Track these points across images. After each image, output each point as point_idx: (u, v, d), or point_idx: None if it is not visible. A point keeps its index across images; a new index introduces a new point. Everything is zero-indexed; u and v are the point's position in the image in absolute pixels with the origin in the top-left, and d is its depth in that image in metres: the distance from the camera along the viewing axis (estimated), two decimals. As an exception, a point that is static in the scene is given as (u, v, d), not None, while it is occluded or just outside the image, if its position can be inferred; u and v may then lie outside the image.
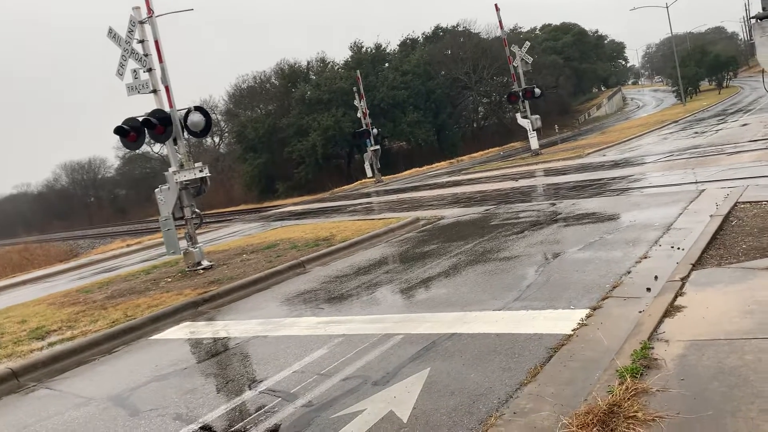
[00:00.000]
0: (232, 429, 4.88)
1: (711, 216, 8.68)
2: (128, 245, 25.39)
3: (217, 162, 69.62)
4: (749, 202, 9.22)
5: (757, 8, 7.04)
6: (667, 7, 61.60)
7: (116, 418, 5.62)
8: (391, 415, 4.52)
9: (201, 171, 12.91)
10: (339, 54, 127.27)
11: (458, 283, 8.32)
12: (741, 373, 3.90)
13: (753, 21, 6.99)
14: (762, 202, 9.04)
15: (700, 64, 73.64)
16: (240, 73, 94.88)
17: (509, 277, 8.19)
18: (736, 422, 3.37)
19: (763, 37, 6.89)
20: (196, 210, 13.25)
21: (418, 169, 44.93)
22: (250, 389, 5.71)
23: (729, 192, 10.31)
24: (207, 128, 13.57)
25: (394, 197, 25.01)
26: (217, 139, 77.59)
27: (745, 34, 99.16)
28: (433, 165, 45.96)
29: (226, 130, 74.16)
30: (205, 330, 8.57)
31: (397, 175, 42.74)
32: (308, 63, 67.98)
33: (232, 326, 8.41)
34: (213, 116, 71.52)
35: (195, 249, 13.04)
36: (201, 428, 5.02)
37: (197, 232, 13.48)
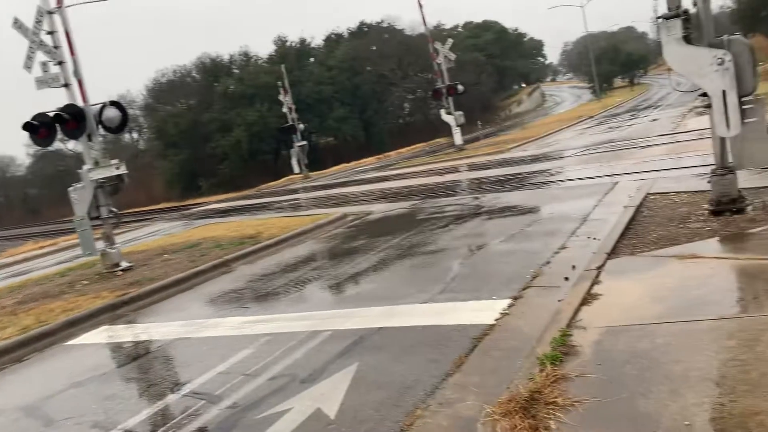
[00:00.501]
0: (154, 435, 4.73)
1: (624, 207, 9.09)
2: (41, 247, 24.08)
3: (135, 159, 67.04)
4: (658, 193, 9.72)
5: (664, 9, 7.41)
6: (582, 7, 64.08)
7: (28, 430, 5.33)
8: (319, 412, 4.49)
9: (117, 168, 12.38)
10: (263, 48, 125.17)
11: (386, 277, 8.37)
12: (652, 356, 4.10)
13: (659, 21, 7.35)
14: (670, 193, 9.55)
15: (614, 62, 77.12)
16: (160, 67, 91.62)
17: (435, 270, 8.30)
18: (648, 403, 3.55)
19: (668, 36, 7.25)
20: (114, 209, 12.71)
21: (345, 164, 44.88)
22: (173, 393, 5.54)
23: (640, 184, 10.84)
24: (123, 124, 13.04)
25: (322, 193, 24.89)
26: (135, 135, 74.83)
27: (653, 34, 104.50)
28: (361, 161, 46.02)
29: (146, 125, 71.60)
30: (124, 333, 8.25)
31: (324, 170, 42.55)
32: (231, 57, 66.63)
33: (153, 329, 8.14)
34: (131, 111, 68.82)
35: (113, 250, 12.52)
36: (121, 436, 4.83)
37: (115, 232, 12.96)
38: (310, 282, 8.96)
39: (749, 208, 7.46)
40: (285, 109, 39.48)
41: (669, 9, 7.32)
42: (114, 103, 12.77)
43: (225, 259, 11.67)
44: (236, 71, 64.02)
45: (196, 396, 5.30)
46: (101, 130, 12.72)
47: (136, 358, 6.99)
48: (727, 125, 7.02)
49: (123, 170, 12.49)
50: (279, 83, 40.09)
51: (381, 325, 6.20)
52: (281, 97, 39.48)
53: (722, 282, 5.36)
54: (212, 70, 64.57)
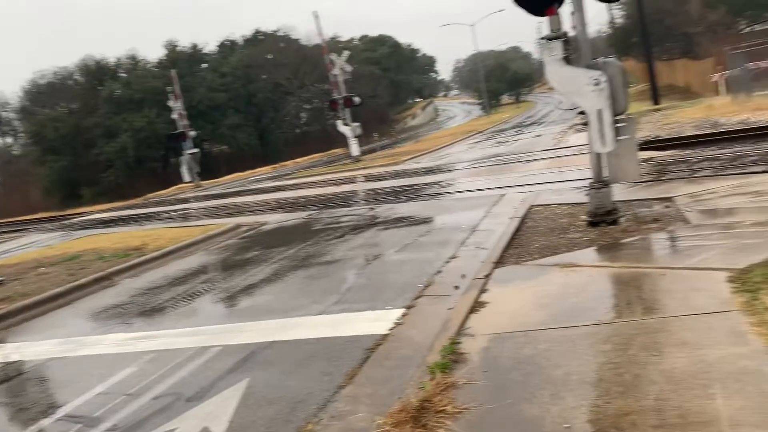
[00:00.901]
0: (22, 465, 4.35)
1: (510, 218, 9.49)
2: None
3: (9, 165, 62.22)
4: (541, 205, 10.23)
5: (547, 31, 7.85)
6: (472, 26, 66.70)
7: None
8: (205, 431, 4.31)
9: (-14, 175, 11.41)
10: (152, 52, 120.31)
11: (280, 289, 8.22)
12: (536, 361, 4.28)
13: (542, 42, 7.77)
14: (552, 205, 10.08)
15: (501, 80, 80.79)
16: (38, 68, 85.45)
17: (330, 280, 8.26)
18: (532, 407, 3.69)
19: (550, 57, 7.68)
20: (-19, 219, 11.68)
21: (240, 173, 43.86)
22: (46, 417, 5.13)
23: (525, 196, 11.36)
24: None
25: (214, 203, 24.15)
26: (10, 140, 69.35)
27: (537, 54, 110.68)
28: (257, 170, 45.16)
29: (21, 129, 66.54)
30: (-9, 355, 7.56)
31: (218, 179, 41.36)
32: (117, 60, 63.42)
33: (25, 348, 7.51)
34: (3, 114, 63.94)
35: (-21, 263, 11.49)
36: (-17, 468, 4.40)
37: (-18, 244, 11.90)
38: (199, 295, 8.64)
39: (622, 219, 8.01)
40: (175, 116, 38.07)
41: (551, 31, 7.76)
42: (-18, 104, 11.77)
43: (107, 272, 11.01)
44: (123, 75, 61.01)
45: (72, 419, 4.94)
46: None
47: (4, 380, 6.42)
48: (603, 142, 7.52)
49: (-9, 177, 11.52)
50: (169, 88, 38.63)
51: (273, 339, 6.06)
52: (171, 103, 38.04)
53: (598, 289, 5.70)
54: (97, 73, 61.15)
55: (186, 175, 37.78)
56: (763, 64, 24.00)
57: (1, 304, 9.61)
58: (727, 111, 20.25)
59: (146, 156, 56.39)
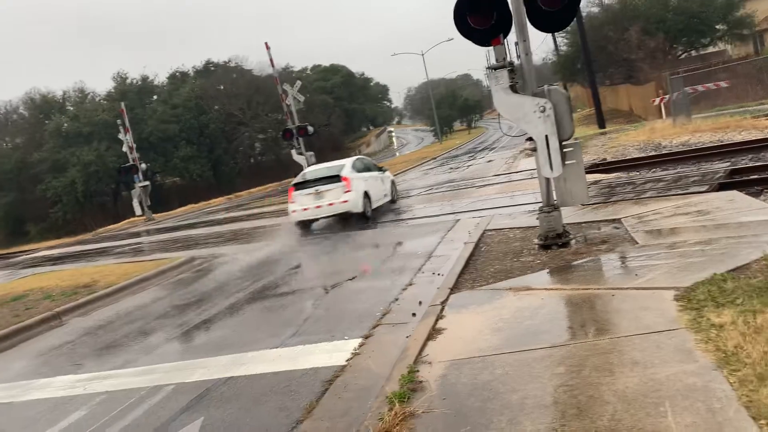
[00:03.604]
0: None
1: (465, 243, 9.60)
2: None
3: (-50, 202, 59.83)
4: (494, 229, 10.39)
5: (493, 60, 8.07)
6: (422, 54, 67.93)
7: None
8: (160, 475, 4.18)
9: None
10: (100, 85, 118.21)
11: (236, 323, 8.09)
12: (492, 386, 4.31)
13: (489, 71, 7.99)
14: (504, 229, 10.25)
15: (453, 107, 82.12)
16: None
17: (288, 312, 8.18)
18: (489, 433, 3.70)
19: (497, 85, 7.89)
20: None
21: (194, 205, 43.19)
22: (-12, 469, 4.88)
23: (479, 221, 11.53)
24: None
25: (167, 236, 23.66)
26: (-50, 177, 66.76)
27: (486, 82, 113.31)
28: (211, 201, 44.55)
29: (-38, 165, 64.21)
30: (-72, 404, 7.17)
31: (171, 212, 40.64)
32: (64, 93, 62.25)
33: (-34, 396, 7.16)
34: (-57, 150, 61.59)
35: None
36: None
37: None
38: (152, 332, 8.42)
39: (573, 242, 8.20)
40: (125, 148, 37.37)
41: (497, 60, 7.98)
42: None
43: (55, 312, 10.64)
44: (71, 108, 59.75)
45: (17, 470, 4.72)
46: None
47: (-58, 432, 6.10)
48: (551, 167, 7.71)
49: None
50: (119, 121, 37.97)
51: (229, 375, 5.95)
52: (121, 136, 37.35)
53: (552, 312, 5.79)
54: (42, 106, 59.78)
55: (137, 209, 36.96)
56: (700, 87, 25.08)
57: (-60, 350, 9.17)
58: (669, 133, 21.07)
59: (96, 190, 55.06)
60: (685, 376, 3.86)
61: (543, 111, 7.63)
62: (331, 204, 15.30)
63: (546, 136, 7.64)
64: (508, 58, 8.07)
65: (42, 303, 11.57)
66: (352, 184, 15.47)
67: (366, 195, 15.81)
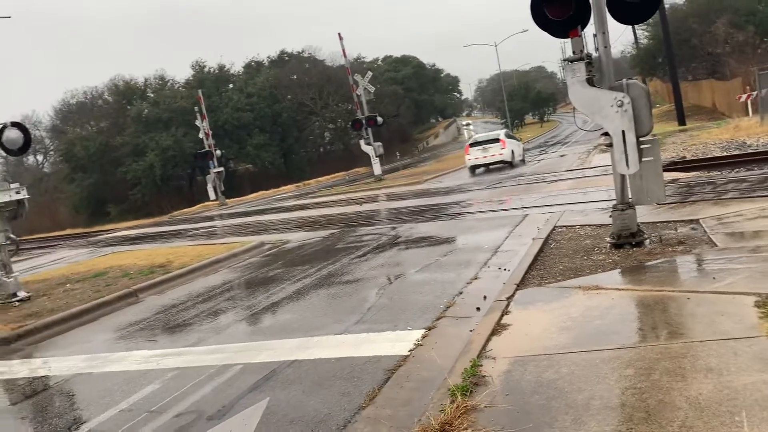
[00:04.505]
0: (46, 480, 4.40)
1: (533, 239, 9.43)
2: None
3: (40, 182, 63.64)
4: (565, 226, 10.16)
5: (570, 51, 7.87)
6: (495, 46, 66.90)
7: None
8: (227, 450, 4.33)
9: (18, 193, 11.68)
10: (180, 73, 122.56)
11: (302, 308, 8.26)
12: (558, 385, 4.23)
13: (565, 63, 7.78)
14: (575, 226, 10.01)
15: (525, 100, 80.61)
16: (69, 88, 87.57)
17: (352, 300, 8.28)
18: None
19: (573, 78, 7.68)
20: (12, 235, 11.95)
21: (264, 192, 44.29)
22: (69, 432, 5.19)
23: (548, 217, 11.30)
24: (26, 146, 12.37)
25: (238, 221, 24.39)
26: (40, 158, 71.01)
27: (561, 74, 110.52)
28: (280, 188, 45.58)
29: (52, 147, 68.12)
30: (19, 369, 7.69)
31: (242, 198, 41.81)
32: (146, 80, 64.94)
33: (52, 363, 7.63)
34: (36, 133, 65.44)
35: (9, 279, 11.73)
36: (8, 482, 4.46)
37: (13, 260, 12.15)
38: (222, 313, 8.71)
39: (647, 241, 7.92)
40: (201, 135, 38.71)
41: (573, 53, 7.77)
42: (15, 124, 12.10)
43: (133, 289, 11.17)
44: (151, 95, 62.27)
45: (95, 436, 5.00)
46: (1, 152, 12.02)
47: (31, 395, 6.52)
48: (627, 163, 7.46)
49: (24, 195, 11.80)
50: (196, 108, 39.32)
51: (294, 358, 6.08)
52: (198, 122, 38.70)
53: (622, 312, 5.63)
54: (125, 92, 62.58)
55: (211, 194, 38.27)
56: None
57: (28, 320, 9.80)
58: (755, 132, 19.98)
59: (173, 174, 57.24)
60: (764, 386, 3.68)
61: (620, 105, 7.38)
62: (492, 155, 26.80)
63: (623, 132, 7.39)
64: (586, 51, 7.85)
65: (120, 280, 12.17)
66: (506, 144, 26.89)
67: (512, 153, 27.14)
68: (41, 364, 7.73)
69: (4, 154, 12.25)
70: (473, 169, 27.40)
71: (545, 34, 8.02)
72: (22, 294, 11.72)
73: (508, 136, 28.76)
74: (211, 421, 4.86)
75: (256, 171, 62.66)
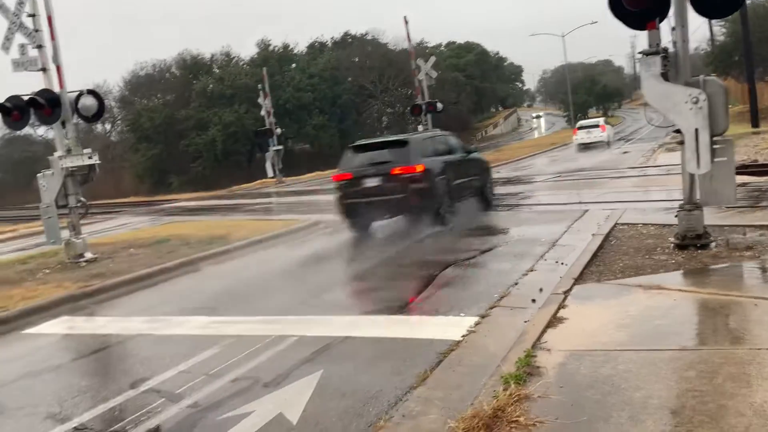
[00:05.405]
0: (110, 429, 4.64)
1: (593, 235, 9.26)
2: (1, 233, 23.48)
3: (107, 150, 65.90)
4: (627, 223, 9.92)
5: (643, 44, 7.63)
6: (563, 36, 65.35)
7: (-22, 417, 5.18)
8: (281, 417, 4.46)
9: (90, 158, 12.19)
10: (245, 50, 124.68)
11: (356, 287, 8.40)
12: (614, 381, 4.18)
13: (640, 56, 7.56)
14: (638, 224, 9.76)
15: (590, 93, 78.45)
16: (139, 60, 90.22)
17: (405, 282, 8.35)
18: (608, 427, 3.61)
19: (647, 72, 7.45)
20: (82, 199, 12.50)
21: (321, 172, 44.66)
22: (131, 389, 5.43)
23: (609, 213, 11.05)
24: (100, 113, 12.89)
25: (294, 199, 24.80)
26: (108, 126, 73.54)
27: (630, 69, 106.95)
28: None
29: (119, 117, 70.47)
30: (85, 326, 8.09)
31: (299, 177, 42.34)
32: (212, 56, 66.14)
33: (115, 323, 7.98)
34: (106, 102, 67.69)
35: (78, 240, 12.29)
36: (75, 428, 4.72)
37: (81, 222, 12.72)
38: (278, 286, 8.91)
39: (713, 244, 7.66)
40: (263, 113, 39.31)
41: (649, 46, 7.52)
42: (91, 92, 12.59)
43: (192, 258, 11.54)
44: (216, 70, 63.53)
45: (156, 393, 5.21)
46: (76, 118, 12.54)
47: (95, 351, 6.85)
48: (698, 163, 7.22)
49: (95, 160, 12.30)
50: (259, 86, 39.93)
51: (347, 334, 6.18)
52: (260, 100, 39.31)
53: (684, 314, 5.49)
54: (192, 67, 64.00)
55: (269, 171, 38.90)
56: None
57: (94, 280, 10.26)
58: (836, 138, 18.97)
59: (233, 150, 58.37)
60: (835, 399, 3.54)
61: (696, 102, 7.12)
62: (594, 137, 35.96)
63: (696, 130, 7.14)
64: (662, 44, 7.60)
65: (181, 249, 12.57)
66: (605, 129, 36.73)
67: (608, 135, 36.53)
68: (105, 323, 8.09)
69: (79, 120, 12.76)
70: (580, 146, 35.65)
71: (614, 26, 7.84)
72: (88, 255, 12.26)
73: (606, 122, 39.22)
74: (267, 388, 5.01)
75: (313, 151, 63.26)
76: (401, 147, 12.21)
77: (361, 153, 12.86)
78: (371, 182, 11.82)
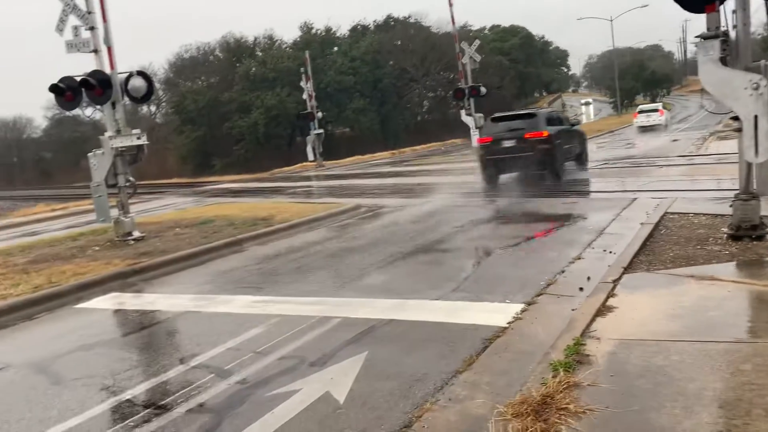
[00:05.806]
0: (162, 403, 4.76)
1: (642, 224, 9.05)
2: (53, 210, 24.27)
3: (152, 131, 67.26)
4: (677, 213, 9.67)
5: (695, 28, 7.38)
6: (611, 20, 63.72)
7: (36, 386, 5.38)
8: (328, 395, 4.51)
9: (139, 138, 12.46)
10: (288, 33, 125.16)
11: (398, 271, 8.38)
12: (667, 372, 4.09)
13: (698, 40, 7.31)
14: (689, 214, 9.50)
15: (637, 79, 76.49)
16: (183, 42, 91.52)
17: (448, 268, 8.32)
18: (661, 417, 3.54)
19: (705, 57, 7.20)
20: (131, 178, 12.80)
21: (360, 156, 44.85)
22: (181, 363, 5.56)
23: (659, 202, 10.79)
24: (148, 95, 13.13)
25: (335, 183, 24.92)
26: (153, 108, 75.08)
27: (680, 54, 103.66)
28: (376, 154, 46.00)
29: (164, 99, 71.82)
30: (134, 302, 8.30)
31: (338, 161, 42.55)
32: (255, 39, 66.82)
33: (163, 300, 8.18)
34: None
35: (127, 218, 12.61)
36: (128, 401, 4.86)
37: (130, 201, 13.03)
38: (321, 268, 8.99)
39: (769, 235, 7.41)
40: (305, 96, 39.52)
41: (708, 29, 7.27)
42: (141, 73, 12.85)
43: (237, 238, 11.72)
44: (259, 54, 64.08)
45: (206, 369, 5.33)
46: (126, 99, 12.81)
47: (145, 327, 7.04)
48: (756, 151, 6.97)
49: (144, 141, 12.56)
50: (301, 69, 40.11)
51: (392, 317, 6.20)
52: (302, 84, 39.51)
53: (739, 306, 5.34)
54: (236, 50, 64.72)
55: (310, 154, 39.17)
56: None
57: (142, 258, 10.52)
58: None
59: (274, 133, 58.98)
60: None
61: (756, 88, 6.87)
62: (653, 120, 39.27)
63: (755, 117, 6.89)
64: (721, 28, 7.33)
65: (226, 229, 12.78)
66: (663, 113, 40.38)
67: (666, 119, 39.83)
68: (153, 300, 8.29)
69: (128, 101, 13.03)
70: (640, 128, 39.09)
71: (664, 10, 7.59)
72: (136, 233, 12.57)
73: (664, 107, 43.59)
74: (313, 367, 5.07)
75: (354, 135, 63.43)
76: (531, 118, 16.26)
77: (499, 122, 16.79)
78: (507, 144, 15.80)
